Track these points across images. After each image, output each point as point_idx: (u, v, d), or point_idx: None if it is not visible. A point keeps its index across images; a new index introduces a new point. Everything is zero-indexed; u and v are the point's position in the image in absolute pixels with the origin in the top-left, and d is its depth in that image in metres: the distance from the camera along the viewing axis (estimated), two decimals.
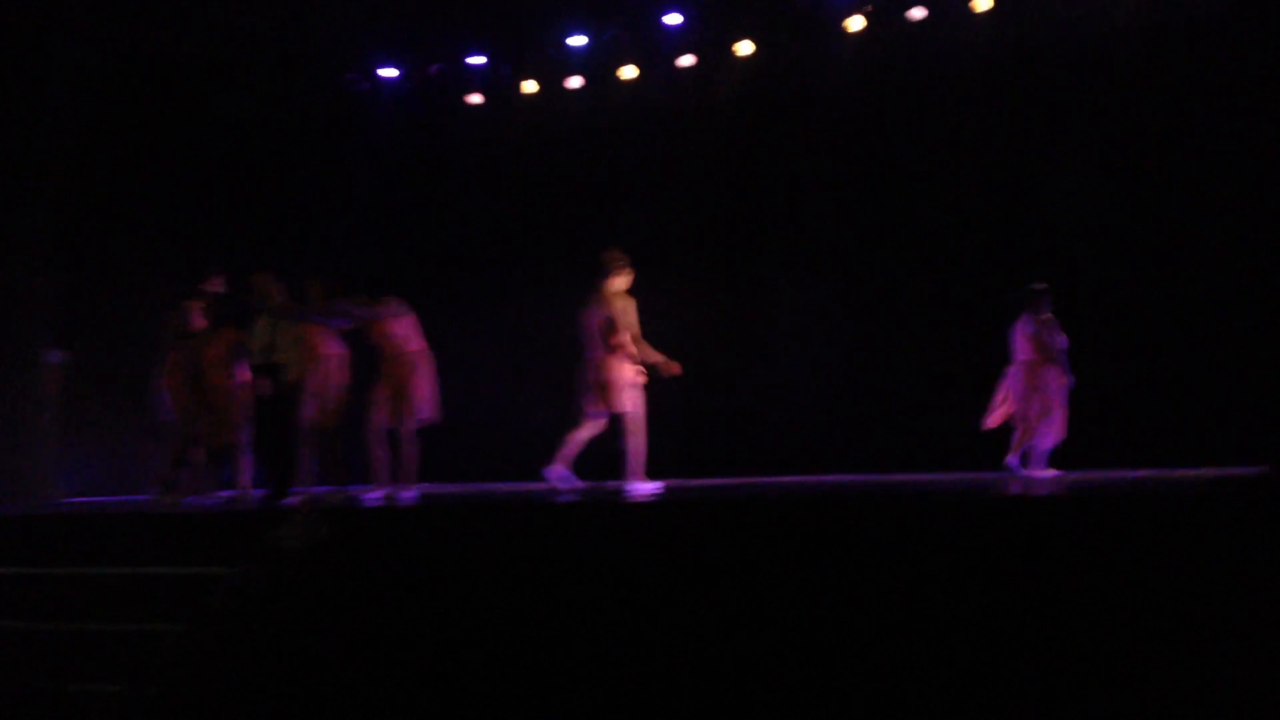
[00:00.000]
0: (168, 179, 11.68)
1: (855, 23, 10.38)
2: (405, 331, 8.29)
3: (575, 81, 11.47)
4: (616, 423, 8.15)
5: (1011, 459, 8.26)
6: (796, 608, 5.44)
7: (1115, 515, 5.34)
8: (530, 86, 11.64)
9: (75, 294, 10.96)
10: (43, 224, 10.23)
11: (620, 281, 8.21)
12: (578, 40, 11.22)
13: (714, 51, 10.95)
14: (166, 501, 8.57)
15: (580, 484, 8.15)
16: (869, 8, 10.29)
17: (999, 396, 8.44)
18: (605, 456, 8.38)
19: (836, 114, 10.57)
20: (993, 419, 8.45)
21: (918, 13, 10.13)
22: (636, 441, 8.06)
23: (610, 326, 8.12)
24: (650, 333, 10.89)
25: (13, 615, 6.74)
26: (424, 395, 8.26)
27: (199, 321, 8.80)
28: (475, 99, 11.89)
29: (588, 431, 8.13)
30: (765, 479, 9.69)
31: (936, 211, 10.18)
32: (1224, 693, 4.66)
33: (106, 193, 11.46)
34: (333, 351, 8.54)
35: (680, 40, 11.00)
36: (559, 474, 8.05)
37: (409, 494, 8.20)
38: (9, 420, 9.80)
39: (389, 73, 11.93)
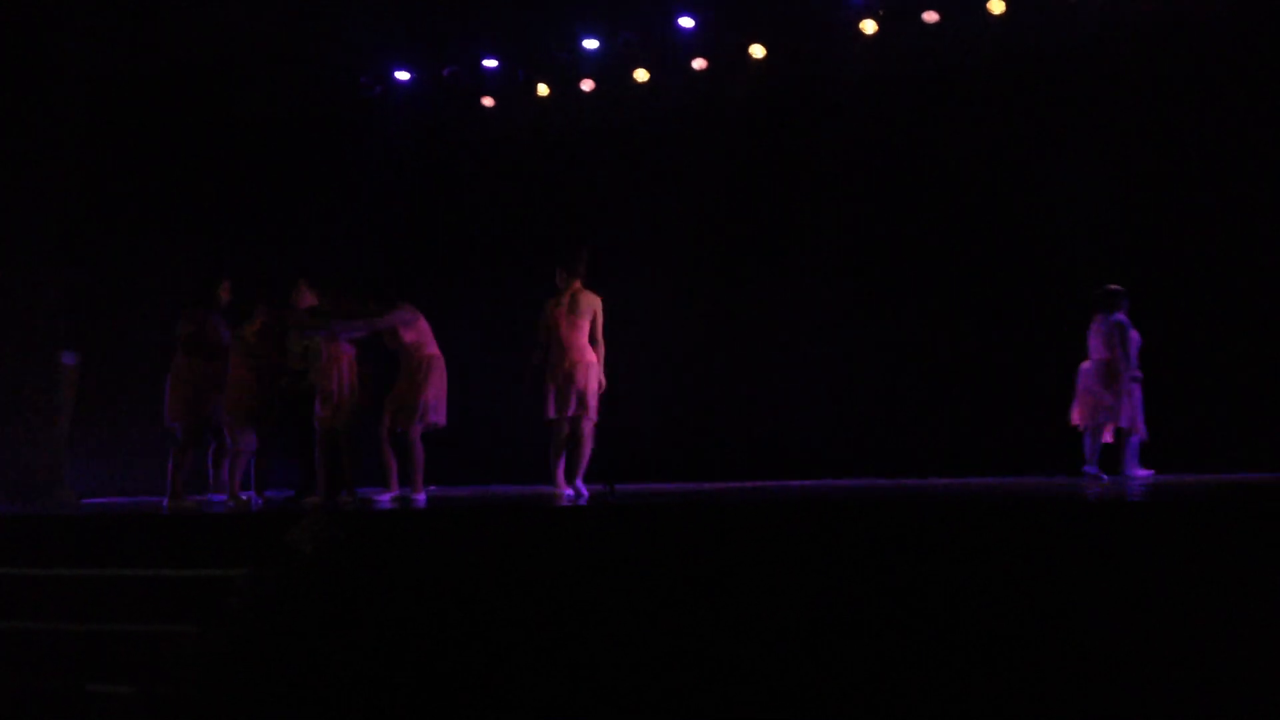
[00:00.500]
0: (179, 181, 11.74)
1: (868, 26, 10.37)
2: (417, 336, 8.29)
3: (588, 85, 11.48)
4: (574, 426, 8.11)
5: (1132, 468, 8.32)
6: (802, 614, 5.43)
7: (1135, 520, 5.32)
8: (543, 89, 11.66)
9: (87, 295, 11.02)
10: (54, 225, 10.29)
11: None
12: (591, 43, 11.23)
13: (727, 54, 10.95)
14: (174, 506, 8.61)
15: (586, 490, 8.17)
16: (881, 11, 10.28)
17: (1078, 396, 8.50)
18: (608, 460, 8.41)
19: (849, 117, 10.56)
20: (1079, 417, 8.50)
21: (931, 16, 10.11)
22: (590, 448, 8.06)
23: (595, 329, 8.12)
24: (663, 334, 10.94)
25: (29, 616, 6.78)
26: (431, 400, 8.25)
27: (215, 327, 8.83)
28: (488, 102, 11.92)
29: (563, 439, 8.15)
30: (773, 483, 9.69)
31: (950, 213, 10.16)
32: (1240, 699, 4.64)
33: (118, 194, 11.52)
34: (344, 353, 8.57)
35: (693, 43, 11.00)
36: (571, 492, 8.08)
37: (421, 497, 8.22)
38: (25, 421, 9.86)
39: (402, 75, 11.97)
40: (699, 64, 11.04)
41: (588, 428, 8.09)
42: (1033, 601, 5.08)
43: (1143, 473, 8.34)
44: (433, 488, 9.05)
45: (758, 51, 10.83)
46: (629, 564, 5.98)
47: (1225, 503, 5.56)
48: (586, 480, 8.21)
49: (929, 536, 5.51)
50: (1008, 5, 9.85)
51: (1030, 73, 9.91)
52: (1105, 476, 8.31)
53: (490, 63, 11.64)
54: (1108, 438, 8.35)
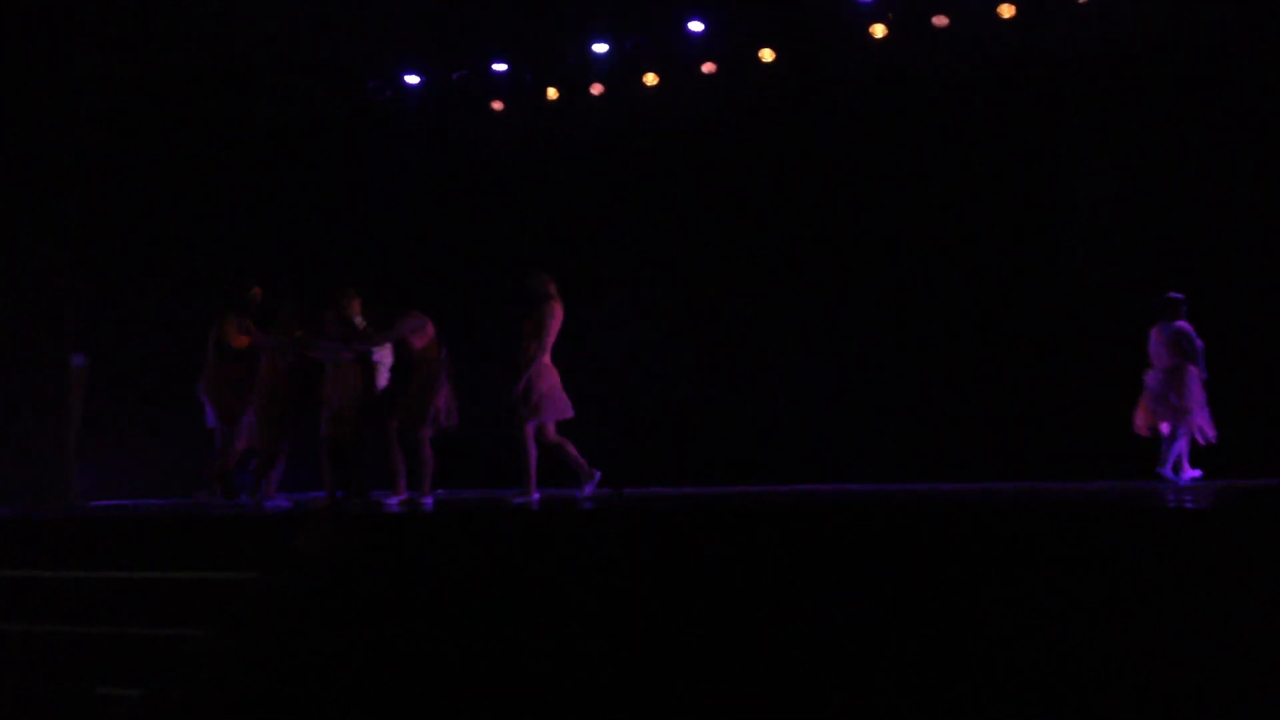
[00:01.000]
0: (189, 185, 11.75)
1: (878, 30, 10.34)
2: (426, 343, 8.33)
3: (597, 88, 11.48)
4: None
5: (1169, 468, 8.35)
6: (806, 618, 5.42)
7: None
8: (552, 93, 11.66)
9: (96, 298, 11.05)
10: (68, 230, 10.33)
11: None
12: (600, 47, 11.22)
13: (736, 58, 10.94)
14: (206, 504, 8.65)
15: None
16: (890, 15, 10.25)
17: (1142, 403, 8.54)
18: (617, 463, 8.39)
19: (858, 120, 10.54)
20: (1141, 426, 8.53)
21: (941, 20, 10.09)
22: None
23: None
24: (672, 338, 10.93)
25: (37, 618, 6.79)
26: (442, 405, 8.28)
27: (244, 332, 8.85)
28: (497, 105, 11.93)
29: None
30: (780, 487, 9.68)
31: (960, 217, 10.14)
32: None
33: (130, 199, 11.55)
34: (348, 359, 8.62)
35: (702, 47, 10.99)
36: (591, 488, 8.11)
37: (429, 500, 8.23)
38: (34, 423, 9.88)
39: (412, 79, 11.98)
40: (708, 68, 11.03)
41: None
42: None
43: (1171, 475, 8.35)
44: (440, 491, 9.05)
45: (767, 55, 10.82)
46: (636, 567, 5.97)
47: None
48: (594, 484, 8.24)
49: (943, 541, 5.50)
50: (1017, 9, 9.83)
51: (1040, 76, 9.88)
52: (1198, 474, 8.35)
53: (500, 66, 11.65)
54: (1203, 437, 8.39)
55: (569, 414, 8.16)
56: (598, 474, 8.14)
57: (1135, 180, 9.47)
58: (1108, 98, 9.67)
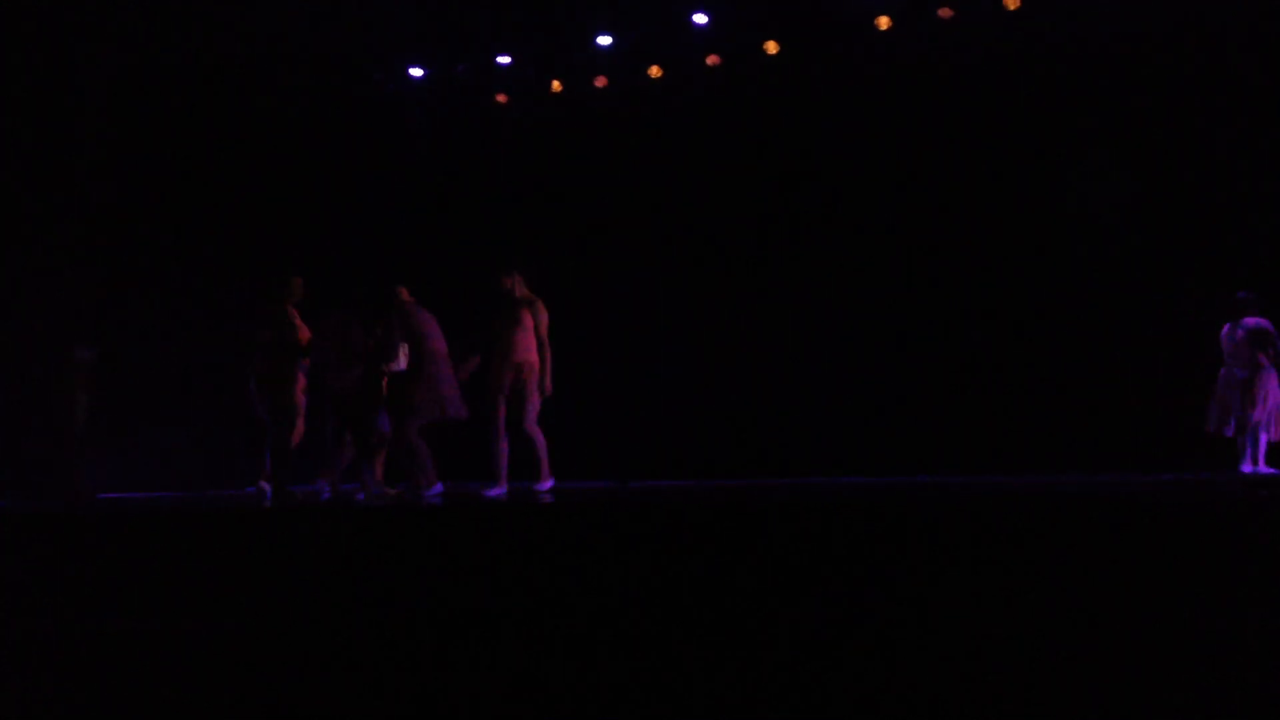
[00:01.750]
0: (195, 178, 11.76)
1: (883, 21, 10.31)
2: (412, 334, 8.28)
3: (601, 81, 11.47)
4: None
5: (1245, 466, 8.38)
6: (809, 613, 5.41)
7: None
8: (556, 86, 11.65)
9: (103, 289, 11.08)
10: (76, 223, 10.36)
11: None
12: (604, 40, 11.21)
13: (741, 51, 10.92)
14: (284, 495, 8.65)
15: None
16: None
17: (1214, 400, 8.57)
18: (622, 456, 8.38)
19: (863, 113, 10.53)
20: (1228, 428, 8.55)
21: (946, 12, 10.05)
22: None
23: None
24: (675, 331, 10.92)
25: (42, 613, 6.81)
26: (425, 397, 8.24)
27: (293, 322, 8.79)
28: (501, 98, 11.92)
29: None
30: (785, 481, 9.67)
31: (965, 209, 10.12)
32: None
33: (136, 191, 11.57)
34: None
35: (707, 39, 10.97)
36: (494, 491, 8.12)
37: (430, 492, 8.24)
38: (43, 416, 9.92)
39: (415, 72, 11.97)
40: (712, 60, 11.01)
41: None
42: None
43: (1249, 469, 8.38)
44: (448, 482, 9.06)
45: (771, 48, 10.80)
46: (642, 562, 5.97)
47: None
48: (600, 475, 8.27)
49: (951, 534, 5.49)
50: (1023, 0, 9.79)
51: (1047, 68, 9.85)
52: (1267, 471, 8.35)
53: (503, 59, 11.64)
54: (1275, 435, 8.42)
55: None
56: (504, 488, 8.15)
57: (1142, 173, 9.44)
58: (1115, 89, 9.64)
